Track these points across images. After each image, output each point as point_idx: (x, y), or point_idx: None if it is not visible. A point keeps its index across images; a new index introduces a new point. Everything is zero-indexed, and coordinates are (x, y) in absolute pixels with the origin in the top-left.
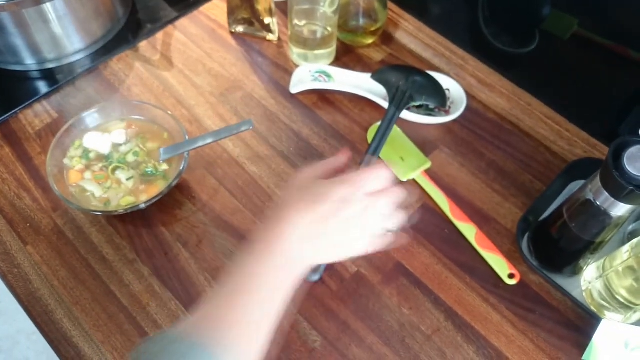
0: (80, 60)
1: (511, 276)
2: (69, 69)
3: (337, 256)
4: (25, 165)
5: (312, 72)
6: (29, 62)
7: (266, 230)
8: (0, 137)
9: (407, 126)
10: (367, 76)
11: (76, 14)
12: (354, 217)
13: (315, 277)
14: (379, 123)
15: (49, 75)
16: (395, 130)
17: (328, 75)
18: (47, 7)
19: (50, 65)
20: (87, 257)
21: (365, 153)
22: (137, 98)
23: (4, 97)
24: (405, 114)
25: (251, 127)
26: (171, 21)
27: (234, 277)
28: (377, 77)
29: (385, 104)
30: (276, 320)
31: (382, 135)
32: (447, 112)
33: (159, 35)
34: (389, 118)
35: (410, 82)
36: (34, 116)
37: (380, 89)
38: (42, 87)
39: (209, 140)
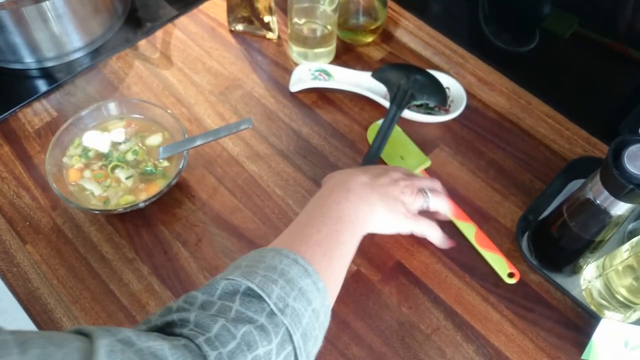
0: (79, 58)
1: (511, 275)
2: (69, 67)
3: (386, 225)
4: (25, 164)
5: (311, 70)
6: (28, 61)
7: (333, 186)
8: (0, 135)
9: (407, 125)
10: (367, 75)
11: (75, 12)
12: (406, 200)
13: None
14: (379, 122)
15: (48, 74)
16: (396, 129)
17: (328, 74)
18: (47, 5)
19: (50, 64)
20: (86, 255)
21: (367, 152)
22: (137, 96)
23: (3, 96)
24: (406, 113)
25: (251, 126)
26: (171, 19)
27: (316, 210)
28: (378, 75)
29: (385, 103)
30: (349, 261)
31: (384, 135)
32: (447, 111)
33: (159, 34)
34: (391, 117)
35: (412, 81)
36: (33, 115)
37: (381, 87)
38: (42, 85)
39: (208, 139)
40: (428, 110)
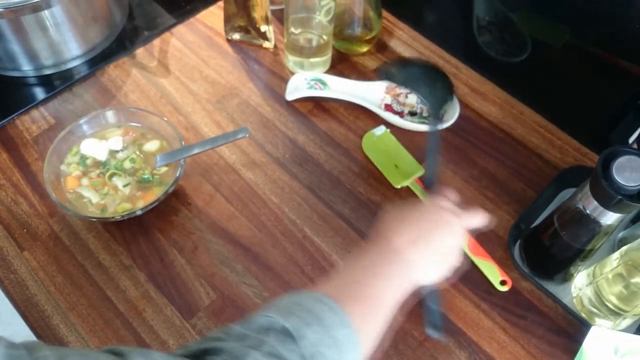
0: (77, 66)
1: (503, 283)
2: (66, 75)
3: (437, 275)
4: (22, 171)
5: (307, 79)
6: (26, 68)
7: (378, 243)
8: None
9: (400, 133)
10: (362, 84)
11: (74, 21)
12: (453, 245)
13: (433, 334)
14: (374, 131)
15: (47, 82)
16: (390, 138)
17: (323, 83)
18: (45, 14)
19: (48, 72)
20: (83, 263)
21: (425, 181)
22: (134, 104)
23: (1, 103)
24: (399, 121)
25: (247, 135)
26: (168, 28)
27: (357, 265)
28: (392, 76)
29: (379, 112)
30: (389, 320)
31: (434, 155)
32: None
33: (156, 42)
34: (437, 136)
35: (439, 89)
36: (31, 122)
37: (375, 96)
38: (40, 93)
39: (205, 148)
40: (422, 119)
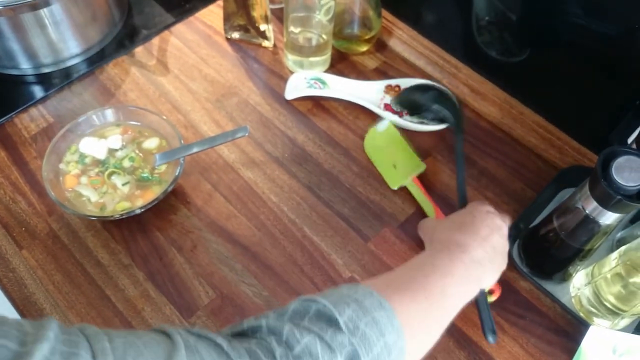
0: (76, 64)
1: (490, 292)
2: (65, 73)
3: (493, 278)
4: (21, 169)
5: (307, 78)
6: (25, 67)
7: (445, 243)
8: None
9: (400, 133)
10: (361, 83)
11: (73, 19)
12: (506, 248)
13: (492, 339)
14: (376, 127)
15: (45, 80)
16: (394, 132)
17: (323, 82)
18: (44, 12)
19: (46, 70)
20: (82, 261)
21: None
22: (133, 103)
23: (0, 101)
24: (398, 121)
25: (247, 134)
26: (167, 27)
27: (426, 262)
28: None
29: (379, 111)
30: (448, 324)
31: (462, 168)
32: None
33: (155, 41)
34: (461, 148)
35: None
36: (30, 120)
37: (374, 96)
38: (38, 91)
39: (204, 147)
40: (420, 118)
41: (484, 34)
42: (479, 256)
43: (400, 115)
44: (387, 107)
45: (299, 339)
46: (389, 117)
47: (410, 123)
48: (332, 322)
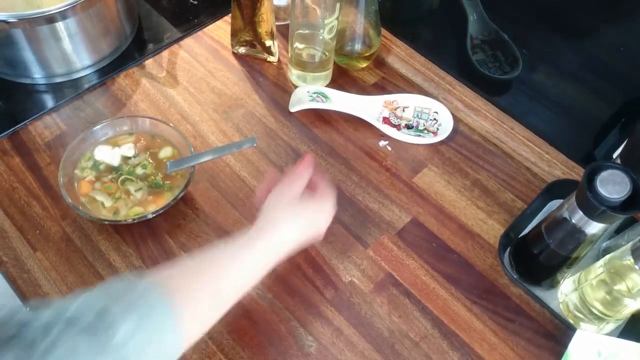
0: (88, 75)
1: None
2: (77, 83)
3: (299, 247)
4: (35, 174)
5: (310, 92)
6: (37, 76)
7: (258, 229)
8: (11, 147)
9: (398, 146)
10: (361, 97)
11: (87, 32)
12: (323, 219)
13: None
14: None
15: (57, 89)
16: None
17: (325, 96)
18: (60, 25)
19: (59, 80)
20: (94, 263)
21: None
22: (144, 113)
23: (15, 109)
24: (396, 134)
25: (255, 144)
26: (176, 40)
27: (215, 252)
28: None
29: (377, 124)
30: (239, 298)
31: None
32: (435, 134)
33: (165, 54)
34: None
35: None
36: (44, 128)
37: (373, 110)
38: (50, 100)
39: (214, 156)
40: (417, 132)
41: (478, 52)
42: (283, 236)
43: (398, 129)
44: (385, 120)
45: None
46: (387, 130)
47: (407, 136)
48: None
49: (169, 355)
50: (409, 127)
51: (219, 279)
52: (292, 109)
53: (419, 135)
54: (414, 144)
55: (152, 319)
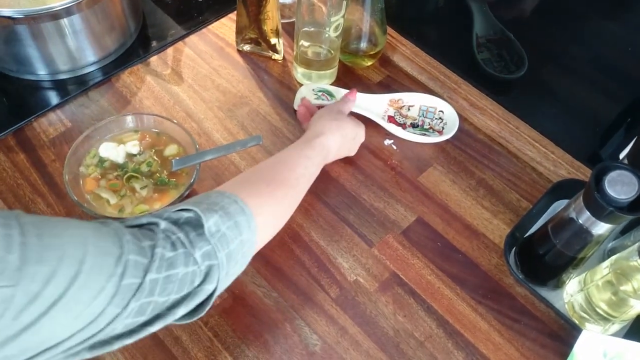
0: (92, 72)
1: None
2: (81, 80)
3: (338, 156)
4: (40, 171)
5: (315, 90)
6: (41, 73)
7: (312, 133)
8: (15, 143)
9: (403, 144)
10: (366, 96)
11: (91, 29)
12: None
13: None
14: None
15: (61, 86)
16: None
17: (330, 94)
18: (65, 22)
19: (63, 76)
20: None
21: None
22: (149, 110)
23: (19, 105)
24: (401, 132)
25: (260, 142)
26: (181, 38)
27: (276, 157)
28: None
29: (383, 123)
30: (305, 190)
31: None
32: (440, 133)
33: (169, 51)
34: None
35: None
36: (48, 125)
37: (378, 108)
38: (54, 97)
39: (220, 154)
40: (423, 130)
41: (484, 52)
42: (329, 143)
43: (404, 128)
44: (390, 119)
45: (171, 236)
46: (393, 129)
47: (413, 135)
48: (198, 227)
49: (246, 247)
50: (414, 125)
51: (287, 171)
52: (297, 107)
53: (425, 134)
54: (419, 142)
55: (230, 215)
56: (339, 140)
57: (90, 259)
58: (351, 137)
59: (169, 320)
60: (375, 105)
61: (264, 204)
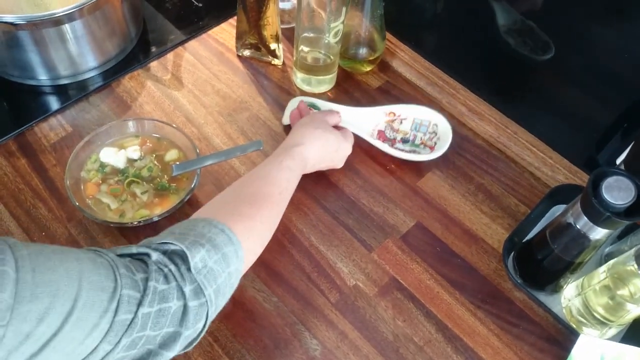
0: (93, 77)
1: None
2: (82, 85)
3: (319, 167)
4: (41, 176)
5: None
6: (42, 78)
7: (291, 140)
8: (17, 148)
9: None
10: (357, 110)
11: (93, 34)
12: (338, 151)
13: None
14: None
15: (62, 91)
16: None
17: (317, 109)
18: (66, 27)
19: (64, 82)
20: None
21: None
22: (149, 115)
23: (20, 110)
24: (389, 150)
25: (261, 148)
26: (181, 43)
27: (257, 170)
28: None
29: (370, 139)
30: (287, 201)
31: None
32: (432, 149)
33: (170, 56)
34: None
35: None
36: (49, 129)
37: (364, 124)
38: (55, 102)
39: (220, 159)
40: (413, 146)
41: (482, 58)
42: (308, 153)
43: (392, 144)
44: (380, 134)
45: (163, 269)
46: (379, 145)
47: (401, 152)
48: (186, 260)
49: (234, 278)
50: (404, 141)
51: (269, 186)
52: (286, 122)
53: (414, 151)
54: (409, 160)
55: (217, 248)
56: (318, 151)
57: (85, 294)
58: (333, 150)
59: None
60: (365, 118)
61: (251, 228)
